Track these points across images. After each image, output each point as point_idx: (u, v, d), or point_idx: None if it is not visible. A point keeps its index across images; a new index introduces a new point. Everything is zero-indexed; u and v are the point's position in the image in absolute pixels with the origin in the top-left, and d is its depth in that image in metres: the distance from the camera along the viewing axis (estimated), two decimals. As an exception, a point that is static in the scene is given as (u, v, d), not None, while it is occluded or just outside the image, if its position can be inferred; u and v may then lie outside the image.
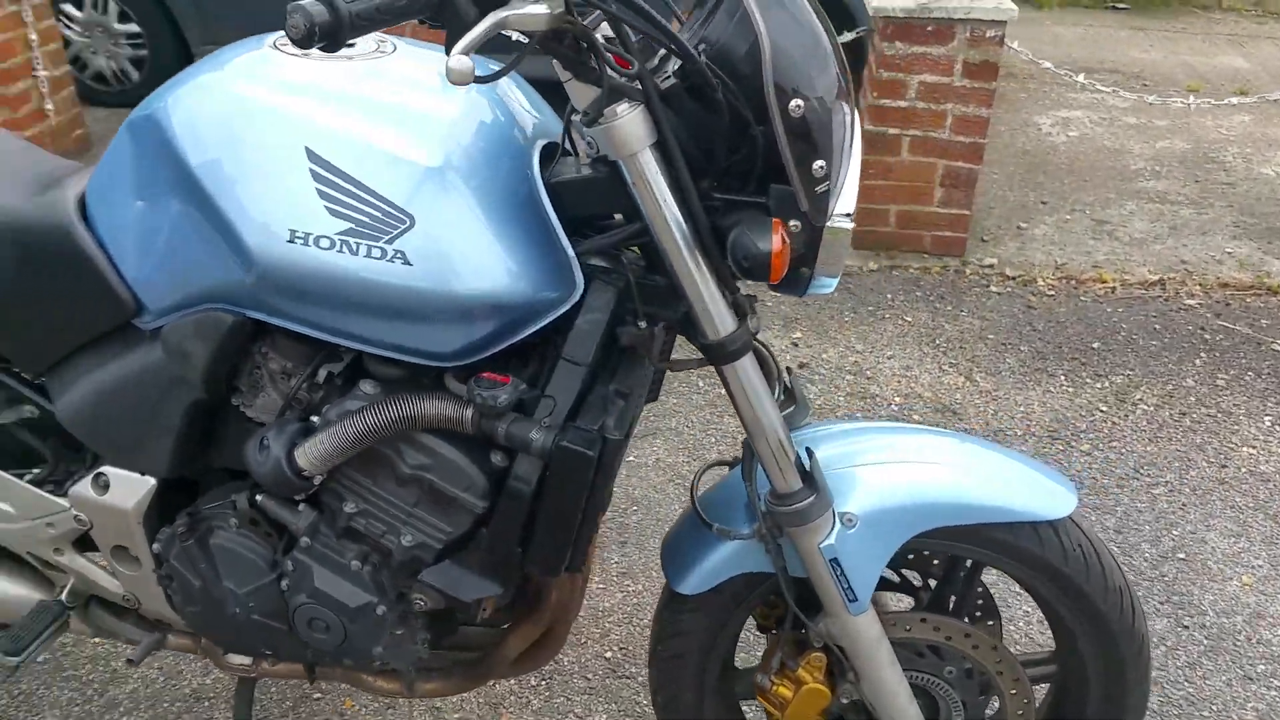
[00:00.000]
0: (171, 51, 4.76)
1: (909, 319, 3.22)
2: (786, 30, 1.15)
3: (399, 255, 1.22)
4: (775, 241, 1.16)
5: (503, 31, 1.04)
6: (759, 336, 1.39)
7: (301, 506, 1.42)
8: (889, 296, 3.36)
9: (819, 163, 1.17)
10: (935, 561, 1.52)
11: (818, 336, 3.12)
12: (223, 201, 1.26)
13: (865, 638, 1.39)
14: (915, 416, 2.73)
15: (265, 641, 1.52)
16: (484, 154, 1.28)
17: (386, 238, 1.22)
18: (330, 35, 0.95)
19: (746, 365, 1.27)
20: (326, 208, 1.22)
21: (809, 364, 2.98)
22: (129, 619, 1.65)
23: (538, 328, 1.29)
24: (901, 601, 1.58)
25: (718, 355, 1.26)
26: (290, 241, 1.23)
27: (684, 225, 1.19)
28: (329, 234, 1.23)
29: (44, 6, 4.08)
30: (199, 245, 1.30)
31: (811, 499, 1.31)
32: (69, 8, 4.74)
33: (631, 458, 2.53)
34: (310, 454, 1.31)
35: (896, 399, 2.81)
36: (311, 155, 1.23)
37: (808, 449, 1.38)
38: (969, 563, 1.48)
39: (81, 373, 1.46)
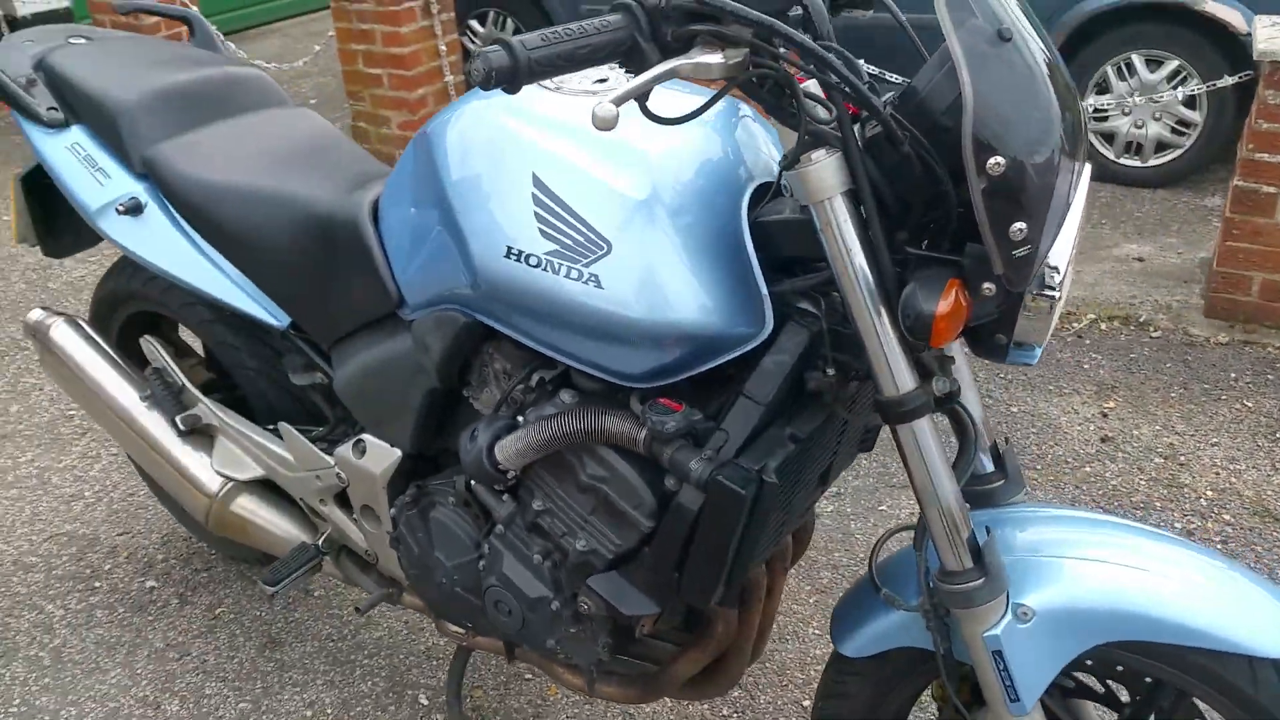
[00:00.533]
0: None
1: (1250, 404, 2.82)
2: (998, 83, 1.07)
3: (593, 278, 1.28)
4: (942, 305, 1.09)
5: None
6: (964, 400, 1.32)
7: (505, 497, 1.54)
8: (1232, 376, 2.95)
9: (1019, 225, 1.08)
10: (1146, 679, 1.35)
11: (1133, 409, 2.81)
12: (462, 216, 1.40)
13: None
14: (1225, 515, 2.40)
15: (465, 613, 1.65)
16: (696, 188, 1.31)
17: (585, 261, 1.29)
18: (508, 79, 1.02)
19: (922, 428, 1.20)
20: (540, 229, 1.32)
21: (1114, 439, 2.70)
22: (370, 573, 1.86)
23: (722, 361, 1.30)
24: (1104, 716, 1.41)
25: (890, 414, 1.20)
26: (506, 257, 1.34)
27: (868, 275, 1.15)
28: (538, 253, 1.32)
29: (450, 22, 4.63)
30: (444, 252, 1.44)
31: (980, 582, 1.21)
32: (474, 23, 5.34)
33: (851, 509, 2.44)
34: (507, 449, 1.42)
35: (1208, 493, 2.47)
36: (535, 181, 1.33)
37: (987, 527, 1.28)
38: (1175, 688, 1.30)
39: (355, 350, 1.67)
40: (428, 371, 1.55)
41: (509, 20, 5.25)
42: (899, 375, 1.18)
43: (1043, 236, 1.10)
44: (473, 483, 1.56)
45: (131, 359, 2.10)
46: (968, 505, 1.25)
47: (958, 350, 1.39)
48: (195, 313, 1.94)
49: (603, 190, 1.30)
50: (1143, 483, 2.55)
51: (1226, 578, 1.24)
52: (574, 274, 1.30)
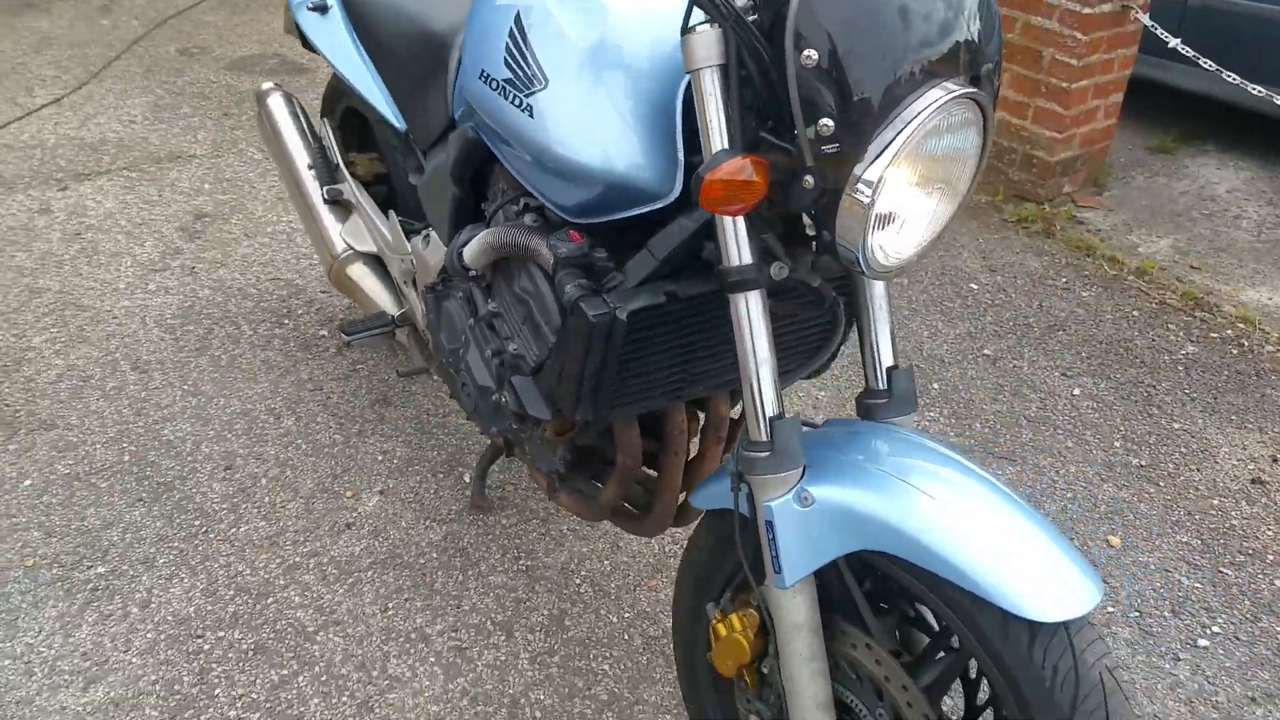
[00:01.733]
0: None
1: None
2: None
3: (529, 108, 1.41)
4: (716, 172, 1.11)
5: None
6: (868, 317, 1.36)
7: (485, 297, 1.72)
8: None
9: (825, 120, 1.08)
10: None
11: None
12: (467, 40, 1.59)
13: (787, 619, 1.27)
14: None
15: (456, 392, 1.87)
16: (643, 51, 1.34)
17: (526, 92, 1.41)
18: None
19: (751, 301, 1.21)
20: (504, 58, 1.45)
21: (1267, 484, 2.36)
22: (425, 350, 2.13)
23: (635, 213, 1.38)
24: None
25: (724, 283, 1.23)
26: (479, 78, 1.50)
27: (724, 146, 1.18)
28: (498, 78, 1.46)
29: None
30: (459, 72, 1.64)
31: (766, 455, 1.23)
32: None
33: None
34: (469, 249, 1.59)
35: (1343, 569, 2.11)
36: (515, 18, 1.45)
37: (805, 419, 1.27)
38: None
39: (431, 157, 1.91)
40: (448, 180, 1.75)
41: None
42: (736, 248, 1.21)
43: (854, 138, 1.08)
44: (470, 279, 1.76)
45: (348, 142, 2.48)
46: (779, 385, 1.25)
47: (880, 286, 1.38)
48: (370, 110, 2.27)
49: (555, 32, 1.39)
50: (1271, 533, 2.23)
51: (1023, 533, 1.17)
52: (516, 101, 1.43)
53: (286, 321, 2.80)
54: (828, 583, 1.34)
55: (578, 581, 2.04)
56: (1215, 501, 2.34)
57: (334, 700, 1.76)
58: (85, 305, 2.80)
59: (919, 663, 1.32)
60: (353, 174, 2.33)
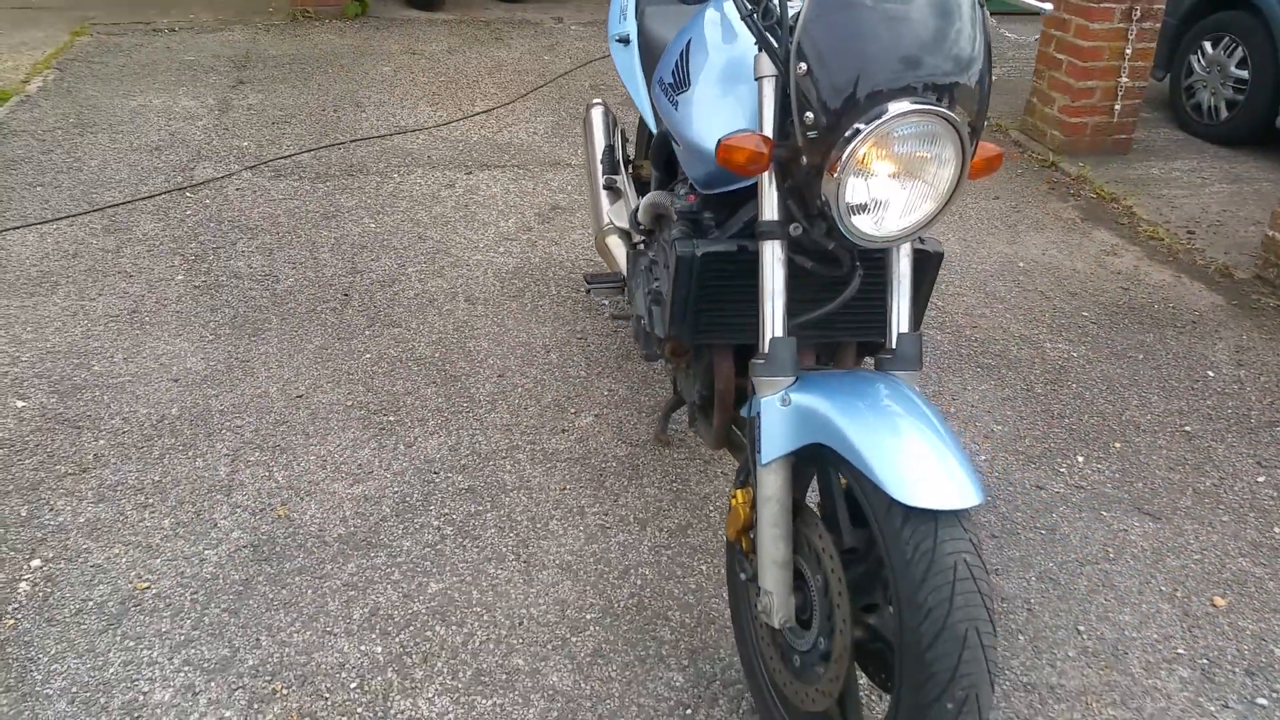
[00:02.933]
0: (1265, 101, 4.82)
1: None
2: (830, 9, 1.44)
3: (677, 104, 1.89)
4: (728, 140, 1.52)
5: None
6: (892, 289, 1.65)
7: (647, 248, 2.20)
8: None
9: (808, 114, 1.48)
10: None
11: None
12: (662, 61, 2.10)
13: (763, 492, 1.61)
14: None
15: (633, 326, 2.35)
16: (746, 71, 1.78)
17: (678, 93, 1.89)
18: None
19: (771, 250, 1.61)
20: (673, 69, 1.97)
21: None
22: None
23: (735, 187, 1.81)
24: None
25: (756, 232, 1.64)
26: (658, 84, 2.03)
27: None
28: (667, 83, 1.97)
29: (1148, 31, 4.62)
30: (655, 83, 2.17)
31: (763, 364, 1.60)
32: (1207, 44, 5.12)
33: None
34: (641, 211, 2.09)
35: None
36: (688, 42, 1.97)
37: (819, 353, 1.63)
38: None
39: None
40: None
41: (1239, 48, 4.96)
42: (767, 207, 1.61)
43: (829, 129, 1.45)
44: (642, 234, 2.25)
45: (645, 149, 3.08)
46: (790, 326, 1.61)
47: (904, 254, 1.67)
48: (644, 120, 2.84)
49: (702, 51, 1.89)
50: (1407, 645, 2.09)
51: (928, 447, 1.45)
52: (673, 100, 1.91)
53: (581, 290, 3.45)
54: (812, 479, 1.68)
55: (710, 509, 2.44)
56: (1357, 601, 2.23)
57: (505, 532, 2.31)
58: (452, 253, 3.63)
59: (858, 557, 1.60)
60: (637, 173, 2.91)
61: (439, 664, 1.96)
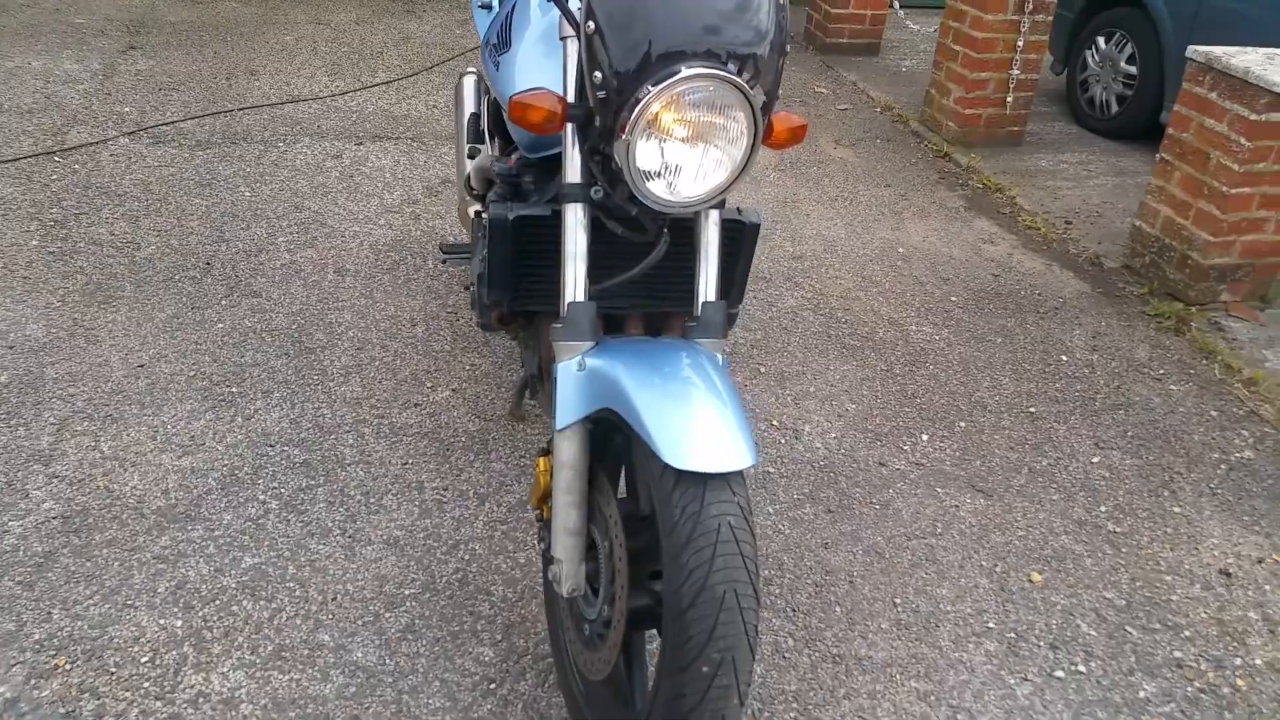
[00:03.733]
0: (1151, 96, 4.90)
1: None
2: None
3: (496, 64, 1.85)
4: (517, 97, 1.49)
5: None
6: (700, 255, 1.63)
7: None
8: None
9: (597, 74, 1.42)
10: None
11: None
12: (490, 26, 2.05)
13: (557, 457, 1.57)
14: None
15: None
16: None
17: (500, 54, 1.85)
18: None
19: (575, 212, 1.57)
20: (496, 30, 1.93)
21: (1232, 575, 2.23)
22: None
23: (552, 152, 1.77)
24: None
25: (559, 194, 1.61)
26: (484, 45, 1.99)
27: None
28: (491, 42, 1.94)
29: (1041, 24, 4.66)
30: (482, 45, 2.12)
31: (561, 327, 1.55)
32: (1100, 39, 5.19)
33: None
34: (471, 175, 2.05)
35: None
36: (513, 7, 1.93)
37: (618, 318, 1.68)
38: None
39: None
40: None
41: (1129, 44, 5.03)
42: (569, 169, 1.57)
43: (617, 90, 1.40)
44: (477, 199, 2.21)
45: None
46: (593, 291, 1.58)
47: (712, 222, 1.64)
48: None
49: (522, 14, 1.88)
50: (1204, 616, 2.13)
51: (706, 413, 1.43)
52: (495, 59, 1.87)
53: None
54: (612, 446, 1.64)
55: (549, 482, 2.41)
56: (1168, 578, 2.27)
57: (333, 508, 2.25)
58: (328, 224, 3.54)
59: (649, 524, 1.57)
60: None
61: (240, 639, 1.90)
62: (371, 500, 2.28)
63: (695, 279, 1.67)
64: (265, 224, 3.47)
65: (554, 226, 1.76)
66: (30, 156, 3.72)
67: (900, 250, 3.77)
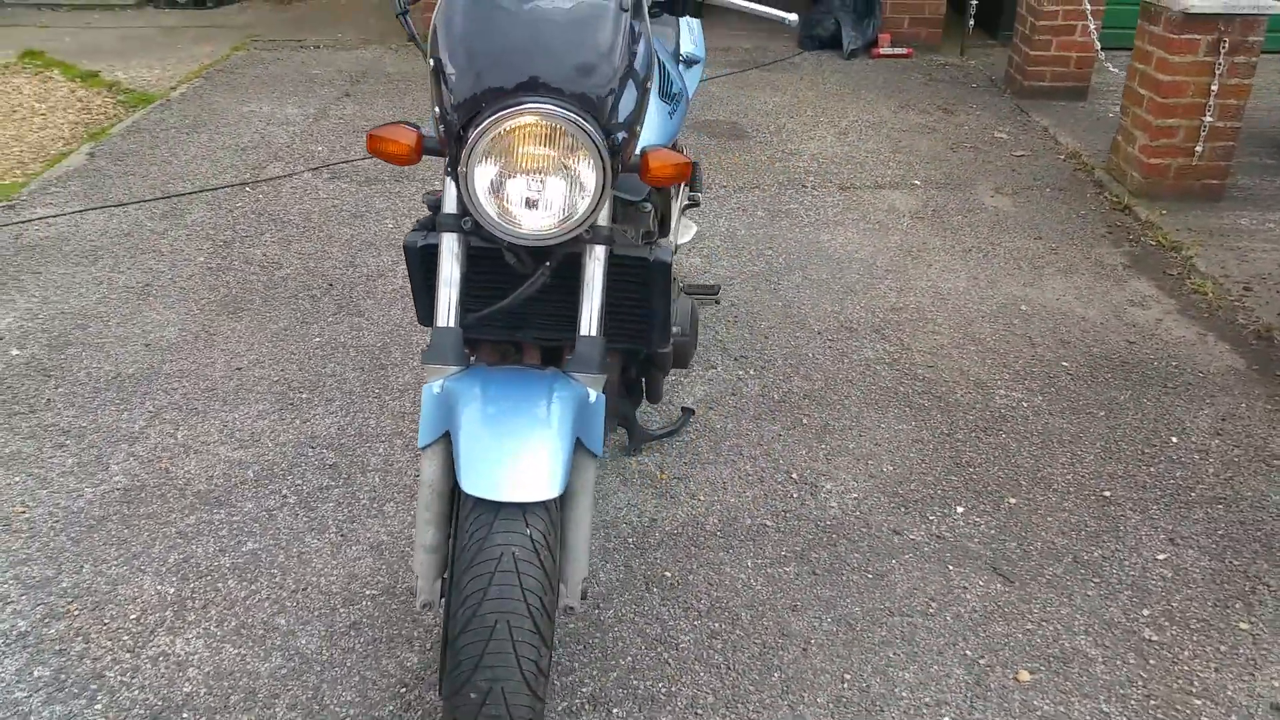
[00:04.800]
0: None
1: None
2: (457, 6, 1.52)
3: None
4: (381, 132, 1.58)
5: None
6: (585, 276, 1.67)
7: None
8: None
9: (437, 109, 1.53)
10: None
11: None
12: None
13: (421, 475, 1.64)
14: None
15: None
16: None
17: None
18: None
19: (450, 241, 1.66)
20: None
21: None
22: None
23: None
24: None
25: (436, 224, 1.71)
26: None
27: None
28: None
29: (1246, 66, 4.14)
30: None
31: (428, 350, 1.65)
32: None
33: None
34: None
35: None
36: None
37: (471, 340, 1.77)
38: None
39: None
40: None
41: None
42: (447, 200, 1.67)
43: (456, 123, 1.48)
44: None
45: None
46: (458, 307, 1.67)
47: (594, 256, 1.66)
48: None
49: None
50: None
51: (524, 446, 1.49)
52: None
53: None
54: None
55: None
56: (1198, 702, 1.96)
57: (341, 508, 2.44)
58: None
59: None
60: None
61: (212, 612, 2.12)
62: (374, 505, 2.45)
63: (578, 312, 1.69)
64: (394, 252, 3.80)
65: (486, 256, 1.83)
66: (229, 186, 4.30)
67: (1023, 308, 3.49)
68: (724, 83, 6.05)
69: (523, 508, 1.44)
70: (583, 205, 1.56)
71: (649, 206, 2.02)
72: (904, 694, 1.97)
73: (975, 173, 4.70)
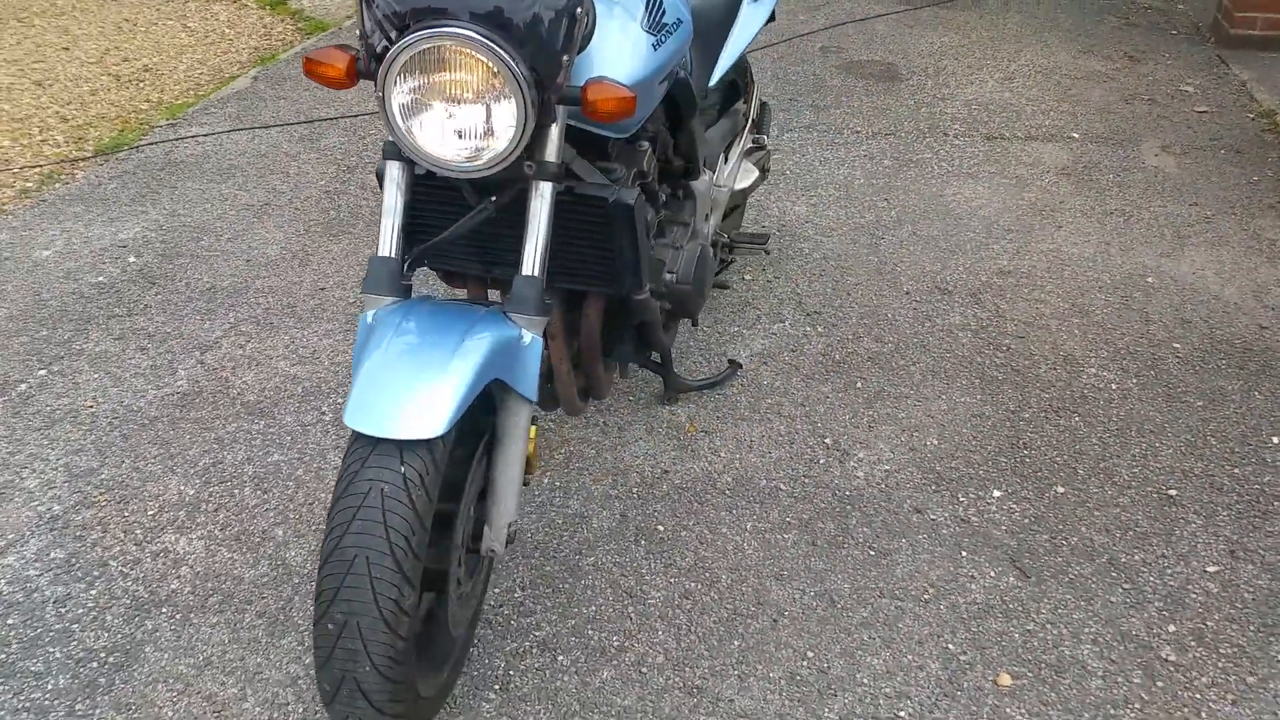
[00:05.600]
0: None
1: None
2: None
3: None
4: (317, 55, 1.57)
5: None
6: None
7: None
8: None
9: (367, 29, 1.51)
10: None
11: None
12: None
13: None
14: None
15: None
16: None
17: None
18: None
19: (394, 170, 1.63)
20: None
21: None
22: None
23: None
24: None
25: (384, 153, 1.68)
26: None
27: None
28: None
29: None
30: None
31: (366, 279, 1.65)
32: None
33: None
34: None
35: None
36: None
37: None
38: None
39: None
40: None
41: None
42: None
43: (379, 45, 1.48)
44: None
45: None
46: (401, 239, 1.66)
47: (539, 193, 1.61)
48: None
49: None
50: None
51: (421, 370, 1.47)
52: None
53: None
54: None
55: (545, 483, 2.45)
56: None
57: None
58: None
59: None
60: None
61: (221, 516, 2.25)
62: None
63: (519, 250, 1.64)
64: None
65: (431, 186, 1.79)
66: (369, 114, 4.47)
67: (1149, 280, 3.11)
68: (893, 20, 5.68)
69: (400, 444, 1.42)
70: (504, 137, 1.50)
71: (645, 145, 1.92)
72: (865, 680, 1.84)
73: (1145, 128, 4.20)
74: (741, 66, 2.86)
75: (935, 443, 2.45)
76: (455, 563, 1.64)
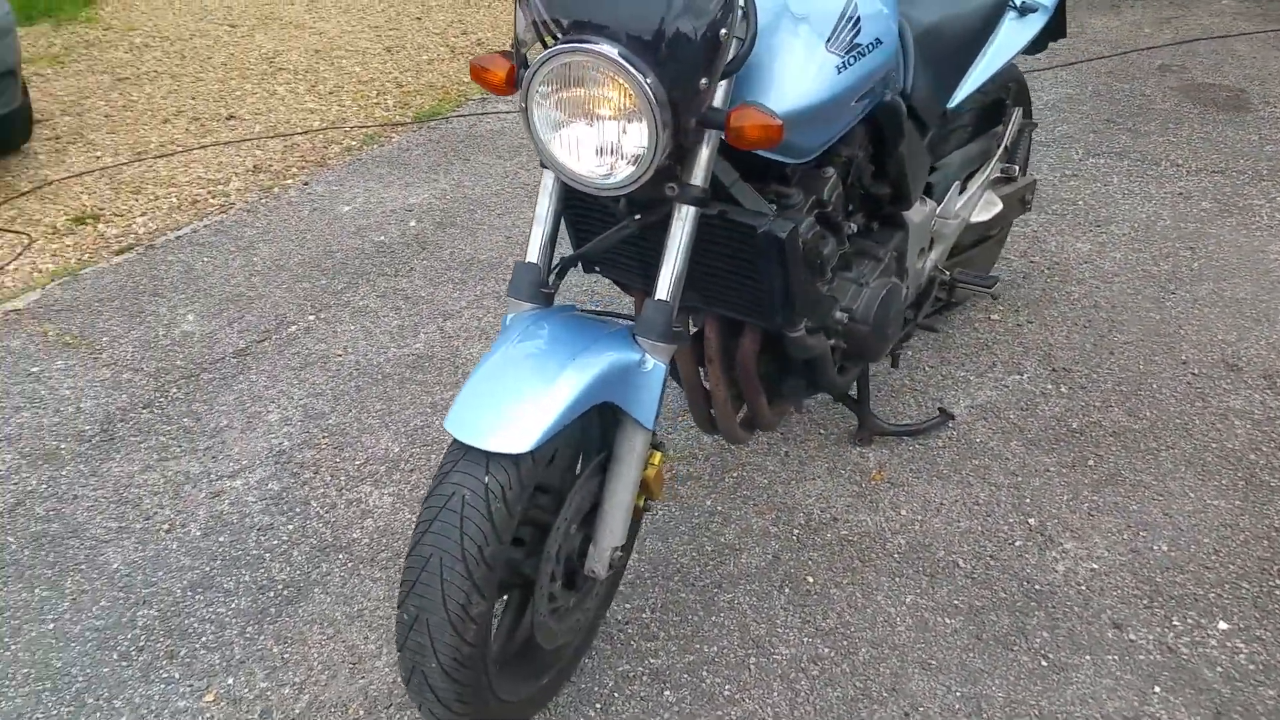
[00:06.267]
0: None
1: None
2: None
3: None
4: (480, 61, 1.57)
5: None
6: None
7: None
8: None
9: (519, 41, 1.49)
10: None
11: None
12: None
13: None
14: None
15: None
16: None
17: None
18: None
19: (547, 178, 1.62)
20: None
21: None
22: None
23: None
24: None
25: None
26: None
27: None
28: None
29: None
30: None
31: (510, 283, 1.67)
32: None
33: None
34: None
35: None
36: None
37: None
38: None
39: None
40: None
41: None
42: None
43: (522, 58, 1.47)
44: None
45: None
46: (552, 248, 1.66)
47: (680, 215, 1.54)
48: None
49: None
50: None
51: (525, 384, 1.46)
52: None
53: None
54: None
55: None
56: None
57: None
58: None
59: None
60: None
61: (414, 477, 2.38)
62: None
63: (655, 273, 1.57)
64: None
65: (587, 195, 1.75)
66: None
67: None
68: (1259, 40, 4.90)
69: (489, 456, 1.41)
70: (635, 157, 1.44)
71: (831, 172, 1.77)
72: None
73: None
74: (1008, 86, 2.56)
75: (1165, 548, 2.08)
76: (547, 575, 1.62)
